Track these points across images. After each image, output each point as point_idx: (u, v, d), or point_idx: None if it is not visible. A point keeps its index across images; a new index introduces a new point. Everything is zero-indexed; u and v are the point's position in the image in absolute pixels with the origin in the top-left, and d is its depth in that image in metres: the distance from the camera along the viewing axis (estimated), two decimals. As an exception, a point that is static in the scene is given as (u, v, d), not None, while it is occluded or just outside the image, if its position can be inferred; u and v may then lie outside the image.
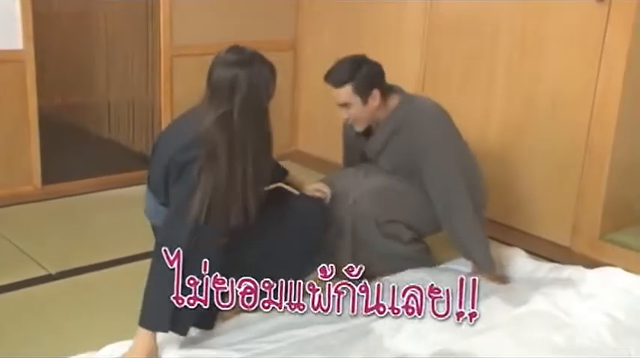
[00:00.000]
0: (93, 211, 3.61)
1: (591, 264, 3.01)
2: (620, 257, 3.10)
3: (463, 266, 2.89)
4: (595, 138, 3.14)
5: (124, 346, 2.26)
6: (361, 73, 2.63)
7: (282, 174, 2.66)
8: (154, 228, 2.51)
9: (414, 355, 2.29)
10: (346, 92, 2.62)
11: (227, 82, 2.14)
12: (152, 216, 2.47)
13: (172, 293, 2.14)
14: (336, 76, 2.63)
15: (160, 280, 2.17)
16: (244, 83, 2.15)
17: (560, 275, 2.84)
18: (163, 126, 4.11)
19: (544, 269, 2.94)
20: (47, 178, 3.80)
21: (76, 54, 5.13)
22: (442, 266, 2.93)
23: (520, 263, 2.99)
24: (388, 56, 3.56)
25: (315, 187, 2.57)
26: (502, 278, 2.83)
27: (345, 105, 2.65)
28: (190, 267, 2.15)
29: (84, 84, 5.09)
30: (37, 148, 3.74)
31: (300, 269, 2.51)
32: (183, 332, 2.24)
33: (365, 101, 2.65)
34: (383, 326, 2.44)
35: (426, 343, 2.33)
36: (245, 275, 2.41)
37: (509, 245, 3.20)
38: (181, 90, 4.14)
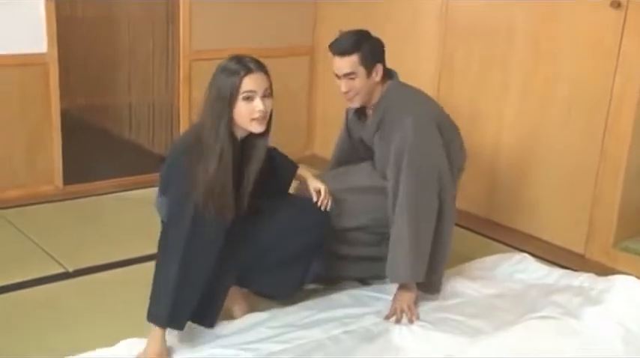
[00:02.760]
0: (112, 211, 3.65)
1: (605, 271, 2.98)
2: (634, 265, 3.08)
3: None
4: (610, 143, 3.13)
5: (138, 342, 2.29)
6: (367, 45, 2.57)
7: (292, 168, 2.64)
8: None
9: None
10: (352, 61, 2.54)
11: (228, 91, 2.19)
12: (159, 210, 2.49)
13: (171, 287, 2.18)
14: (342, 45, 2.56)
15: (160, 273, 2.23)
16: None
17: (571, 283, 2.83)
18: (182, 129, 4.19)
19: (555, 275, 2.92)
20: (68, 178, 3.85)
21: (98, 57, 5.19)
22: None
23: (530, 268, 2.97)
24: (404, 60, 3.56)
25: (317, 187, 2.52)
26: (412, 308, 2.55)
27: (348, 75, 2.56)
28: (190, 260, 2.18)
29: (106, 86, 5.15)
30: (59, 149, 3.81)
31: (296, 276, 2.53)
32: (179, 326, 2.26)
33: (369, 73, 2.58)
34: (391, 328, 2.47)
35: (434, 347, 2.34)
36: (243, 277, 2.47)
37: (521, 250, 3.19)
38: (199, 93, 4.09)
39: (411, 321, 2.51)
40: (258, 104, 2.20)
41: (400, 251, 2.50)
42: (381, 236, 2.66)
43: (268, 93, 2.24)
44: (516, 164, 3.45)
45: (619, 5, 3.01)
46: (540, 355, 2.31)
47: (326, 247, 2.55)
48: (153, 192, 3.73)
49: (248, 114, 2.21)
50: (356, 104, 2.65)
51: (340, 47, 2.56)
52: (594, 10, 3.10)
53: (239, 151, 2.30)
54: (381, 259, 2.61)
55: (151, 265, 2.86)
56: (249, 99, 2.20)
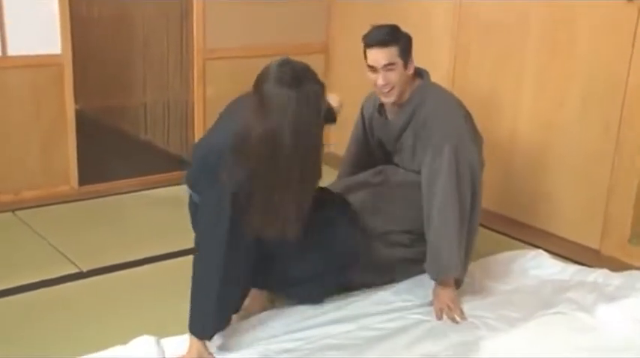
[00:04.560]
0: (127, 211, 3.66)
1: (620, 267, 2.96)
2: None
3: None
4: (625, 137, 3.09)
5: (152, 341, 2.30)
6: (404, 38, 2.58)
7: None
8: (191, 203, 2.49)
9: (432, 354, 2.29)
10: (392, 52, 2.53)
11: (277, 99, 2.05)
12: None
13: (213, 301, 2.18)
14: (381, 36, 2.54)
15: (199, 286, 2.21)
16: (294, 103, 2.05)
17: (586, 279, 2.81)
18: (196, 128, 4.20)
19: (569, 271, 2.90)
20: (84, 179, 3.86)
21: (112, 57, 5.20)
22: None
23: (544, 264, 2.95)
24: (418, 55, 3.53)
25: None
26: (454, 307, 2.52)
27: (387, 66, 2.54)
28: (228, 270, 2.17)
29: (120, 86, 5.16)
30: (74, 149, 3.82)
31: (329, 283, 2.54)
32: (210, 337, 2.26)
33: (405, 66, 2.58)
34: (401, 324, 2.46)
35: (443, 343, 2.33)
36: (270, 280, 2.46)
37: (535, 246, 3.17)
38: (214, 92, 4.18)
39: (453, 319, 2.48)
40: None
41: (446, 244, 2.49)
42: (416, 236, 2.66)
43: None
44: (531, 158, 3.43)
45: (633, -2, 2.98)
46: (555, 351, 2.29)
47: (360, 254, 2.55)
48: (168, 191, 3.93)
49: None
50: (392, 98, 2.62)
51: (379, 38, 2.54)
52: (609, 4, 3.07)
53: None
54: (414, 261, 2.64)
55: (165, 264, 2.99)
56: None
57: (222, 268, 2.15)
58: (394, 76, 2.56)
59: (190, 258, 2.93)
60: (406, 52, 2.58)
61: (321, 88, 2.14)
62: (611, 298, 2.58)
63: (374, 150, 2.91)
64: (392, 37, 2.55)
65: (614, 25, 3.08)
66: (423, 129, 2.60)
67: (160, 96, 4.72)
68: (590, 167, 3.23)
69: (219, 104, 4.12)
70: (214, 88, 4.17)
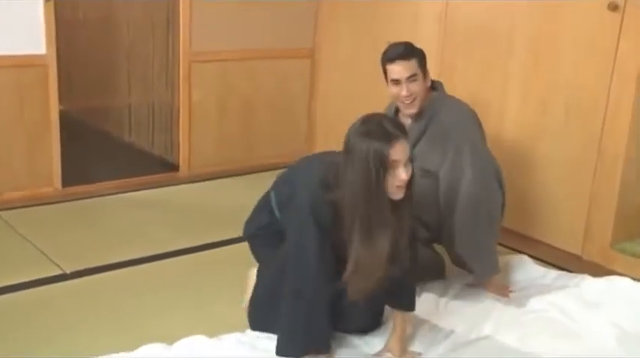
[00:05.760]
0: (111, 213, 3.65)
1: (602, 273, 2.98)
2: (631, 267, 3.07)
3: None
4: (608, 144, 3.13)
5: (161, 348, 2.29)
6: (420, 51, 2.74)
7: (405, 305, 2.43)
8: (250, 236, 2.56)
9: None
10: (413, 65, 2.69)
11: (364, 154, 2.02)
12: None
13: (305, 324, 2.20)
14: (402, 51, 2.70)
15: (294, 313, 2.22)
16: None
17: (567, 284, 2.83)
18: (182, 130, 4.21)
19: (551, 276, 2.93)
20: (67, 180, 3.84)
21: (97, 58, 5.17)
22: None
23: (526, 269, 2.97)
24: None
25: None
26: (504, 290, 2.82)
27: (411, 78, 2.69)
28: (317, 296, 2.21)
29: (105, 87, 5.13)
30: (58, 151, 3.80)
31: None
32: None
33: (424, 76, 2.75)
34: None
35: (435, 348, 2.36)
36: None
37: (518, 251, 3.19)
38: (200, 95, 4.19)
39: (508, 296, 2.76)
40: (401, 173, 2.05)
41: (487, 243, 2.71)
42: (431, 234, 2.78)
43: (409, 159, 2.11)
44: (514, 165, 3.45)
45: (616, 8, 3.01)
46: (536, 356, 2.31)
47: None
48: (152, 193, 3.93)
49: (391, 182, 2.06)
50: (414, 109, 2.75)
51: (400, 52, 2.69)
52: (592, 13, 3.11)
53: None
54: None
55: (147, 267, 2.99)
56: (393, 167, 2.04)
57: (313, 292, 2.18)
58: (416, 87, 2.71)
59: (172, 260, 3.03)
60: (424, 65, 2.75)
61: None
62: (591, 303, 2.61)
63: None
64: (411, 50, 2.71)
65: (597, 34, 3.11)
66: (439, 137, 2.72)
67: (145, 98, 4.70)
68: (573, 174, 3.25)
69: (205, 107, 4.23)
70: (200, 91, 4.18)
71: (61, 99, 3.85)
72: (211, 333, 2.39)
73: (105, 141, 4.94)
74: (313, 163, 2.34)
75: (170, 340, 2.33)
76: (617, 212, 3.14)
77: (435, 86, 2.85)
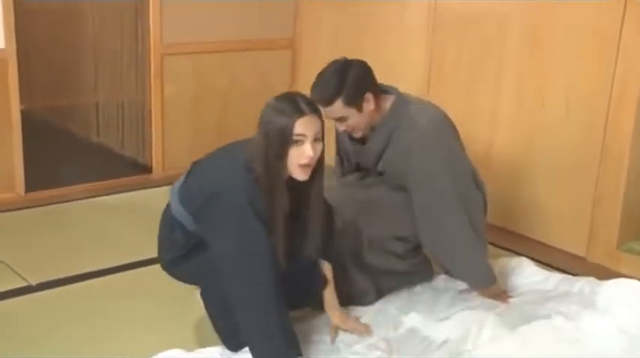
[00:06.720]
0: (79, 219, 3.57)
1: (608, 274, 2.95)
2: (639, 268, 3.03)
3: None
4: (611, 140, 3.08)
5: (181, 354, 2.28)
6: (349, 82, 2.46)
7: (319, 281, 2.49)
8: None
9: None
10: (339, 107, 2.46)
11: (270, 126, 2.13)
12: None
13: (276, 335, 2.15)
14: (323, 94, 2.45)
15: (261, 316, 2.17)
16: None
17: (571, 288, 2.80)
18: (154, 129, 4.18)
19: (554, 280, 2.88)
20: (30, 185, 3.79)
21: (61, 53, 5.11)
22: (441, 276, 2.87)
23: (527, 273, 2.92)
24: (390, 55, 3.49)
25: (354, 327, 2.45)
26: (501, 296, 2.70)
27: (340, 119, 2.51)
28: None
29: (70, 84, 5.07)
30: (20, 153, 3.72)
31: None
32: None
33: (360, 109, 2.50)
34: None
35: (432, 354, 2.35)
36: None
37: (519, 254, 3.15)
38: (173, 90, 4.14)
39: (506, 302, 2.67)
40: (307, 149, 2.10)
41: (475, 256, 2.62)
42: (406, 245, 2.71)
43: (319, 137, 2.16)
44: (512, 163, 3.41)
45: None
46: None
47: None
48: (122, 198, 3.90)
49: (296, 159, 2.13)
50: (359, 134, 2.62)
51: (321, 96, 2.45)
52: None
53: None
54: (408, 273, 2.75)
55: (119, 277, 2.99)
56: (298, 142, 2.11)
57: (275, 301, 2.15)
58: (351, 122, 2.53)
59: (146, 268, 3.00)
60: (356, 97, 2.49)
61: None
62: (597, 308, 2.55)
63: (351, 171, 2.91)
64: (334, 91, 2.45)
65: (598, 22, 3.06)
66: (401, 154, 2.57)
67: (113, 94, 4.65)
68: (575, 171, 3.23)
69: (178, 103, 4.15)
70: (174, 86, 4.13)
71: (23, 97, 3.78)
72: (189, 346, 2.37)
73: (71, 142, 4.87)
74: (233, 151, 2.33)
75: (145, 355, 2.28)
76: (623, 210, 3.10)
77: (387, 91, 2.62)
